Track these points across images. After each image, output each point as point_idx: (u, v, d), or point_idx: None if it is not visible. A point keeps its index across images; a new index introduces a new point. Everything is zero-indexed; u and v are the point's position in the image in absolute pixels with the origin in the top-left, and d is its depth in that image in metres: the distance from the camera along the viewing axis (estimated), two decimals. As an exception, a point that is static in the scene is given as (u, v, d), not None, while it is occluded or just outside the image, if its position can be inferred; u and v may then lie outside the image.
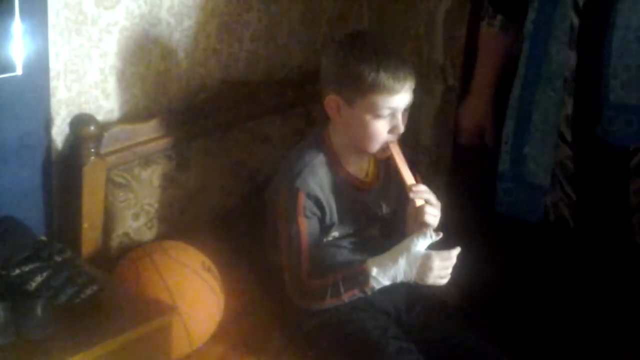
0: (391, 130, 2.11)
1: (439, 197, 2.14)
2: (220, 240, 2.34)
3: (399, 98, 2.07)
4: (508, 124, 2.30)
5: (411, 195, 2.11)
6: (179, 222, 2.31)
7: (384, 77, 2.03)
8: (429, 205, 2.11)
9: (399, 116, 2.10)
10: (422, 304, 2.28)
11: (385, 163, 2.27)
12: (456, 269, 2.12)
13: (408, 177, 2.15)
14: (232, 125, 2.44)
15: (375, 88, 2.03)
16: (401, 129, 2.12)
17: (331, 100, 2.10)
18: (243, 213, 2.43)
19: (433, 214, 2.11)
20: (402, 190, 2.25)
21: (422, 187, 2.14)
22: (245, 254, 2.39)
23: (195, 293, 2.12)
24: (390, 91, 2.04)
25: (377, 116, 2.07)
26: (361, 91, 2.05)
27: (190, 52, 2.39)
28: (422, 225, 2.10)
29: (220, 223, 2.39)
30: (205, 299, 2.14)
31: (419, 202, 2.10)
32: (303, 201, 2.10)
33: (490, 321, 2.47)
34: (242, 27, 2.53)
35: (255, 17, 2.56)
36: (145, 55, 2.29)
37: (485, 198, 2.49)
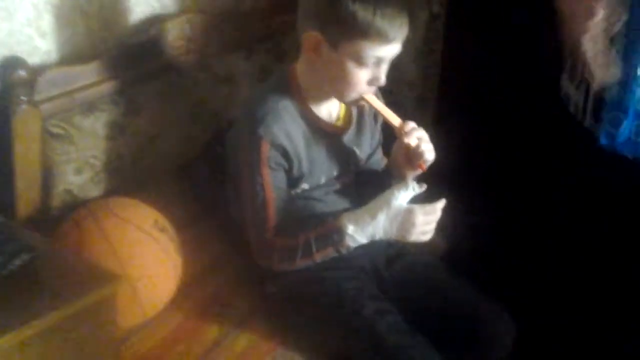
0: (371, 82, 1.87)
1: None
2: (179, 195, 2.13)
3: (390, 48, 1.82)
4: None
5: (403, 137, 1.90)
6: (130, 175, 2.09)
7: (379, 22, 1.77)
8: (422, 141, 1.91)
9: (384, 67, 1.86)
10: (404, 257, 2.09)
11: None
12: (443, 218, 1.92)
13: (393, 117, 1.94)
14: (189, 63, 2.18)
15: (367, 33, 1.78)
16: (382, 80, 1.88)
17: (311, 37, 1.84)
18: (204, 162, 2.19)
19: (429, 148, 1.92)
20: (376, 134, 2.11)
21: (412, 125, 1.93)
22: (207, 210, 2.18)
23: (147, 256, 1.90)
24: (383, 39, 1.79)
25: (361, 64, 1.83)
26: (350, 34, 1.79)
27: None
28: (420, 164, 1.92)
29: (178, 175, 2.18)
30: (159, 263, 1.92)
31: (413, 142, 1.90)
32: (267, 151, 1.87)
33: (482, 273, 2.25)
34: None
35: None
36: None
37: (480, 138, 2.23)
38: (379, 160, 2.15)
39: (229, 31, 2.30)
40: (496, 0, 2.26)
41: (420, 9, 2.71)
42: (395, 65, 2.31)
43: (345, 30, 1.79)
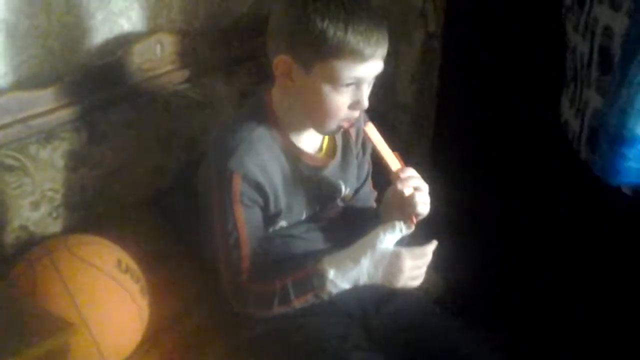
0: (352, 106, 1.69)
1: (423, 169, 1.74)
2: (147, 231, 1.94)
3: (368, 67, 1.64)
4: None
5: (398, 184, 1.71)
6: (93, 209, 1.91)
7: (352, 39, 1.59)
8: (418, 192, 1.72)
9: (364, 89, 1.68)
10: (395, 300, 1.89)
11: (342, 133, 1.84)
12: (440, 257, 1.77)
13: (391, 160, 1.74)
14: (159, 87, 2.00)
15: (340, 52, 1.60)
16: (365, 104, 1.69)
17: (281, 62, 1.66)
18: (176, 195, 2.00)
19: (423, 201, 1.73)
20: (365, 164, 1.94)
21: (410, 172, 1.74)
22: (178, 248, 2.00)
23: (108, 301, 1.71)
24: (359, 57, 1.61)
25: (338, 87, 1.65)
26: (321, 54, 1.61)
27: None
28: (410, 216, 1.73)
29: (146, 209, 1.98)
30: (122, 308, 1.73)
31: (407, 191, 1.72)
32: (239, 186, 1.69)
33: (482, 313, 2.19)
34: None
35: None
36: (45, 6, 1.85)
37: (482, 166, 2.04)
38: (368, 194, 1.97)
39: (205, 52, 2.12)
40: (495, 18, 2.07)
41: (415, 28, 2.52)
42: (390, 88, 2.14)
43: (317, 51, 1.61)
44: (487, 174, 2.46)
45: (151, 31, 2.04)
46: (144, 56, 1.99)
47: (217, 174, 1.70)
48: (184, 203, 1.97)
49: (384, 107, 1.74)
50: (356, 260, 1.70)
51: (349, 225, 1.86)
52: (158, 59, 2.01)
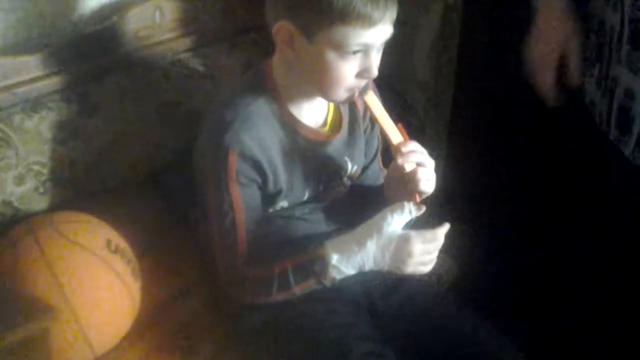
0: (360, 74, 1.55)
1: (436, 149, 1.58)
2: (142, 211, 1.82)
3: (376, 32, 1.50)
4: None
5: (399, 158, 1.58)
6: (83, 186, 1.79)
7: (359, 2, 1.45)
8: (421, 167, 1.59)
9: (373, 56, 1.54)
10: (404, 287, 1.77)
11: (349, 106, 1.70)
12: (454, 241, 1.65)
13: (393, 133, 1.61)
14: (158, 56, 1.87)
15: (345, 16, 1.46)
16: (374, 72, 1.55)
17: (282, 29, 1.52)
18: (176, 173, 1.86)
19: (427, 177, 1.60)
20: (374, 141, 1.80)
21: (412, 146, 1.61)
22: (175, 229, 1.88)
23: (96, 284, 1.59)
24: (366, 21, 1.47)
25: (345, 54, 1.51)
26: (326, 19, 1.47)
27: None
28: (413, 193, 1.59)
29: (142, 187, 1.85)
30: (111, 291, 1.62)
31: (409, 166, 1.59)
32: (235, 163, 1.57)
33: (497, 301, 2.05)
34: None
35: None
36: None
37: (501, 149, 1.88)
38: (377, 173, 1.84)
39: (208, 20, 1.98)
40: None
41: (434, 0, 2.37)
42: (406, 64, 1.99)
43: (321, 16, 1.48)
44: (507, 155, 2.32)
45: (148, -4, 1.90)
46: (141, 22, 1.85)
47: (211, 150, 1.58)
48: (184, 182, 1.83)
49: (399, 84, 1.60)
50: (361, 244, 1.57)
51: (356, 206, 1.73)
52: (157, 26, 1.88)
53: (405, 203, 1.58)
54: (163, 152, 1.90)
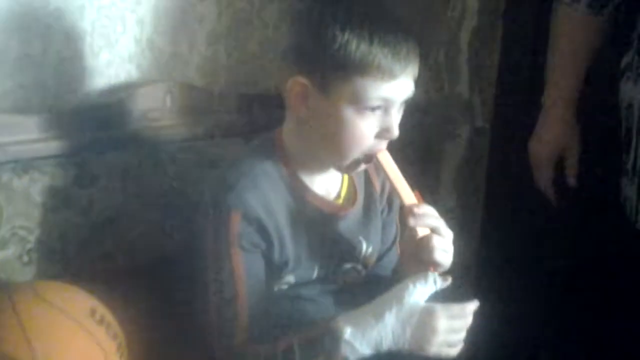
0: (380, 134, 1.44)
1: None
2: (139, 299, 1.63)
3: (397, 86, 1.41)
4: None
5: (411, 220, 1.43)
6: (73, 263, 1.61)
7: (379, 53, 1.37)
8: (436, 235, 1.42)
9: (393, 114, 1.44)
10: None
11: (365, 179, 1.56)
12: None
13: (405, 193, 1.48)
14: (167, 139, 1.75)
15: (365, 68, 1.37)
16: (395, 132, 1.45)
17: (296, 85, 1.43)
18: (178, 262, 1.70)
19: (443, 247, 1.44)
20: (392, 225, 1.65)
21: (427, 209, 1.46)
22: (173, 333, 1.68)
23: (73, 353, 1.40)
24: (386, 74, 1.38)
25: (363, 110, 1.40)
26: (343, 72, 1.38)
27: (112, 39, 1.74)
28: (427, 265, 1.44)
29: (140, 278, 1.68)
30: (91, 363, 1.39)
31: (422, 231, 1.44)
32: (238, 225, 1.43)
33: None
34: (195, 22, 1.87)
35: (215, 12, 1.88)
36: (42, 34, 1.66)
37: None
38: (395, 262, 1.66)
39: (222, 112, 1.88)
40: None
41: (461, 124, 2.28)
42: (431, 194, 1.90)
43: (338, 68, 1.38)
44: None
45: (160, 79, 1.81)
46: (151, 103, 1.76)
47: (212, 212, 1.45)
48: (188, 278, 1.67)
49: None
50: (379, 317, 1.39)
51: (371, 295, 1.54)
52: (167, 109, 1.78)
53: (430, 273, 1.42)
54: (163, 242, 1.74)
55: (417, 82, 1.45)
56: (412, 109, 1.49)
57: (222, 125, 1.89)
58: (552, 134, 1.81)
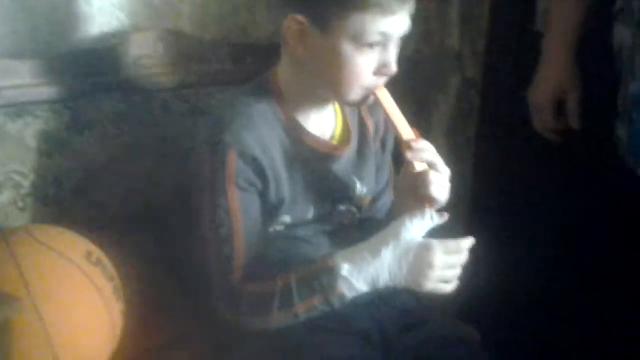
0: (379, 70, 1.44)
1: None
2: (132, 251, 1.62)
3: (395, 21, 1.41)
4: None
5: (409, 154, 1.44)
6: (68, 209, 1.61)
7: None
8: (433, 170, 1.43)
9: (392, 49, 1.43)
10: (425, 328, 1.57)
11: (359, 120, 1.57)
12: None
13: (404, 128, 1.48)
14: (158, 87, 1.75)
15: (364, 2, 1.37)
16: (393, 67, 1.45)
17: (293, 23, 1.42)
18: (171, 211, 1.70)
19: (440, 183, 1.44)
20: (385, 168, 1.65)
21: (425, 144, 1.47)
22: (168, 273, 1.70)
23: (69, 292, 1.40)
24: (385, 9, 1.38)
25: (362, 46, 1.40)
26: (342, 7, 1.38)
27: (104, -14, 1.73)
28: (423, 200, 1.44)
29: (134, 224, 1.68)
30: (85, 305, 1.42)
31: (419, 166, 1.44)
32: (234, 164, 1.43)
33: None
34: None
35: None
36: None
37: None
38: (388, 206, 1.67)
39: (214, 62, 1.88)
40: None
41: (451, 74, 2.29)
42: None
43: (336, 5, 1.38)
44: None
45: (152, 26, 1.81)
46: (142, 50, 1.76)
47: (209, 150, 1.45)
48: (181, 225, 1.68)
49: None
50: (376, 253, 1.40)
51: (366, 237, 1.54)
52: (159, 56, 1.78)
53: (427, 209, 1.41)
54: (159, 189, 1.74)
55: (408, 35, 1.45)
56: (403, 61, 1.48)
57: (213, 73, 1.88)
58: (553, 79, 1.82)
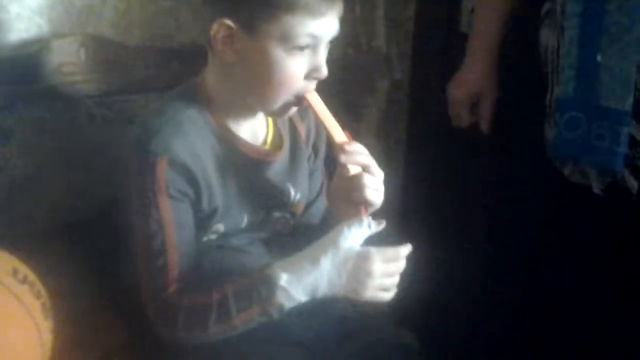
0: (309, 75, 1.42)
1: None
2: (59, 267, 1.56)
3: (324, 23, 1.38)
4: (568, 33, 1.56)
5: (342, 157, 1.42)
6: (-7, 223, 1.53)
7: None
8: (367, 173, 1.41)
9: (322, 52, 1.41)
10: (365, 336, 1.56)
11: (290, 126, 1.55)
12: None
13: (336, 132, 1.46)
14: (84, 94, 1.69)
15: (293, 5, 1.34)
16: (324, 71, 1.42)
17: (221, 28, 1.38)
18: (102, 225, 1.64)
19: (374, 186, 1.42)
20: (317, 173, 1.64)
21: (358, 147, 1.44)
22: (98, 285, 1.63)
23: (0, 316, 1.33)
24: (314, 11, 1.36)
25: (292, 49, 1.38)
26: (270, 10, 1.35)
27: (20, -9, 1.66)
28: (357, 204, 1.42)
29: (61, 238, 1.61)
30: (19, 327, 1.35)
31: (353, 169, 1.42)
32: (164, 173, 1.38)
33: None
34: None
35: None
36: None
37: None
38: (322, 211, 1.64)
39: (139, 68, 1.82)
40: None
41: (379, 77, 2.27)
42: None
43: (265, 8, 1.35)
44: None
45: (71, 30, 1.75)
46: (65, 57, 1.69)
47: (137, 160, 1.40)
48: (109, 238, 1.62)
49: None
50: (315, 261, 1.37)
51: (300, 244, 1.51)
52: (82, 63, 1.72)
53: (364, 217, 1.40)
54: (84, 201, 1.68)
55: (335, 38, 1.43)
56: (330, 64, 1.45)
57: (139, 79, 1.83)
58: (469, 80, 1.85)
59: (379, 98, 2.30)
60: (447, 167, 2.20)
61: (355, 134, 1.98)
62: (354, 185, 1.41)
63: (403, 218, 2.26)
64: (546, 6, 1.67)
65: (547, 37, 1.65)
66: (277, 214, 1.54)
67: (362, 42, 2.29)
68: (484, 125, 1.88)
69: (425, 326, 1.77)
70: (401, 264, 1.42)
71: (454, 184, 2.16)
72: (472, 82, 1.85)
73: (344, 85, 2.24)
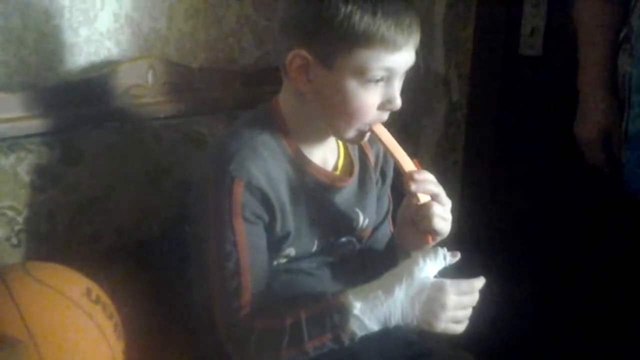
0: (383, 105, 1.41)
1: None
2: (128, 281, 1.57)
3: (400, 57, 1.38)
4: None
5: (412, 186, 1.41)
6: (64, 244, 1.56)
7: (383, 24, 1.34)
8: (436, 202, 1.40)
9: (396, 85, 1.41)
10: (431, 357, 1.55)
11: (359, 151, 1.58)
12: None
13: (405, 161, 1.45)
14: (150, 116, 1.73)
15: (369, 40, 1.34)
16: (398, 102, 1.42)
17: (297, 58, 1.39)
18: (167, 244, 1.66)
19: (442, 215, 1.42)
20: (385, 199, 1.64)
21: (428, 175, 1.44)
22: (165, 304, 1.65)
23: (69, 332, 1.36)
24: (390, 46, 1.35)
25: (366, 82, 1.37)
26: (347, 44, 1.35)
27: (91, 15, 1.70)
28: (425, 233, 1.42)
29: (128, 254, 1.62)
30: (88, 343, 1.38)
31: (423, 197, 1.41)
32: (241, 195, 1.38)
33: None
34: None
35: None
36: (21, 10, 1.61)
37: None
38: (387, 236, 1.65)
39: (204, 90, 1.85)
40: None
41: (437, 99, 2.27)
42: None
43: (341, 41, 1.35)
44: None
45: (141, 55, 1.77)
46: (133, 80, 1.72)
47: (214, 182, 1.40)
48: (175, 254, 1.64)
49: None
50: (389, 292, 1.37)
51: (365, 269, 1.52)
52: (149, 86, 1.74)
53: (439, 248, 1.40)
54: (151, 220, 1.70)
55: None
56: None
57: (204, 101, 1.85)
58: (597, 117, 1.82)
59: (437, 120, 2.29)
60: (505, 192, 2.19)
61: (413, 156, 1.99)
62: (423, 213, 1.41)
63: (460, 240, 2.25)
64: (624, 31, 1.66)
65: (623, 63, 1.65)
66: (345, 239, 1.55)
67: (420, 64, 2.28)
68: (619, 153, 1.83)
69: (488, 349, 1.75)
70: (475, 297, 1.41)
71: (513, 208, 2.15)
72: (602, 122, 1.82)
73: (402, 107, 2.24)
